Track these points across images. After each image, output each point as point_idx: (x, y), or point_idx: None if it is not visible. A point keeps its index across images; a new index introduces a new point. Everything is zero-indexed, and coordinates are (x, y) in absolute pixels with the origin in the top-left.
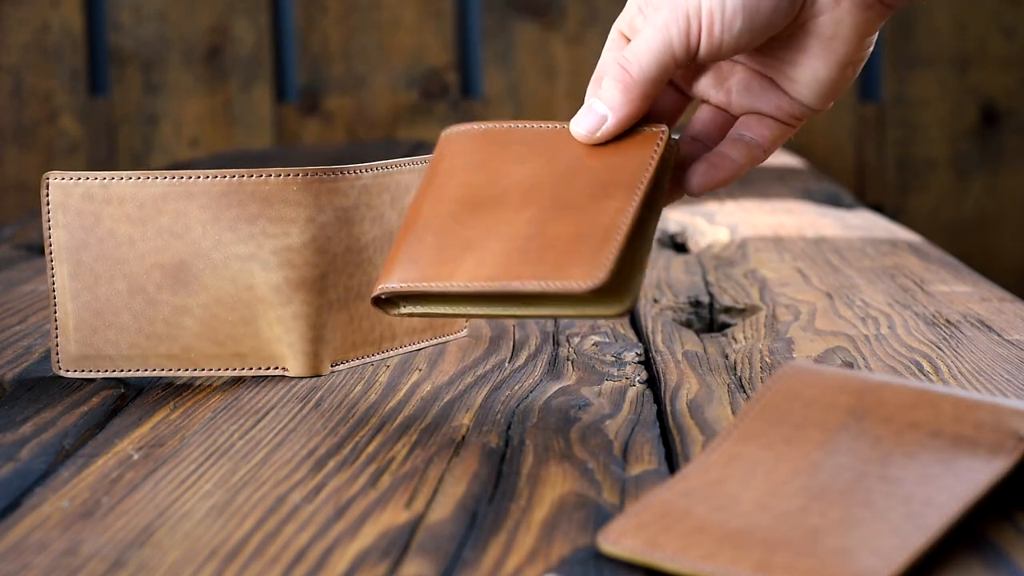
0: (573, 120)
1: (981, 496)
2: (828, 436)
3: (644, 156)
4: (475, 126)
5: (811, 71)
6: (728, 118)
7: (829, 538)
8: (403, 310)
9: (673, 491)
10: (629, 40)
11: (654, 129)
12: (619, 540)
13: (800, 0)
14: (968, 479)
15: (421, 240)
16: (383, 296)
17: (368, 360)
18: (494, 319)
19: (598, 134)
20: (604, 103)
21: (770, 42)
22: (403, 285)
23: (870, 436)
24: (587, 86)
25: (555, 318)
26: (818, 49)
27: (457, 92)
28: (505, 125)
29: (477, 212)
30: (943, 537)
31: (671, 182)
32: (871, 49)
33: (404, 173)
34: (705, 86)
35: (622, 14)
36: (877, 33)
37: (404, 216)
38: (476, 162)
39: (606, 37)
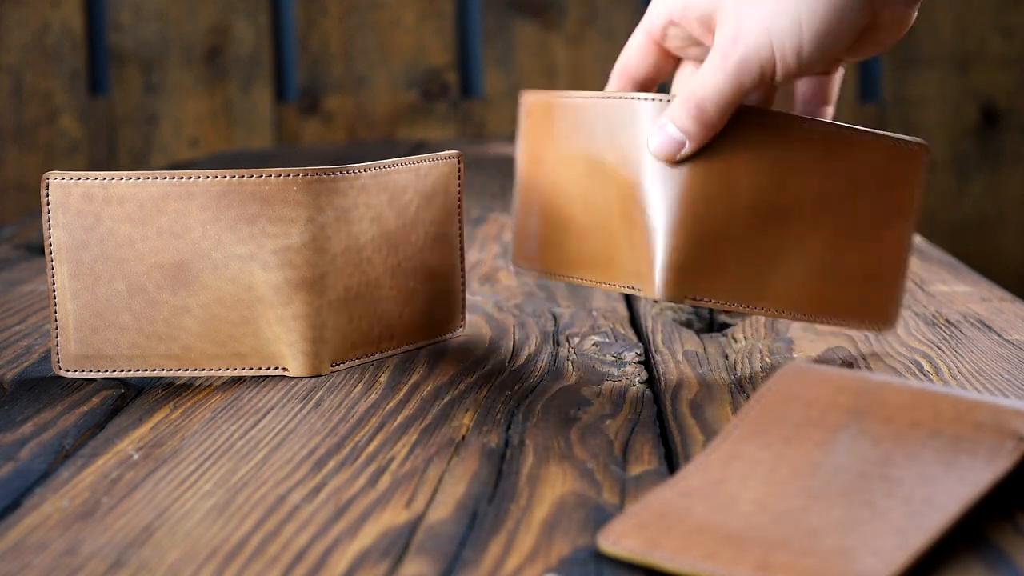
0: (650, 139)
1: (981, 496)
2: (828, 436)
3: (912, 178)
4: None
5: (848, 57)
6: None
7: (829, 538)
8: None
9: (673, 491)
10: (680, 25)
11: (914, 145)
12: (619, 540)
13: (869, 19)
14: (968, 479)
15: (720, 248)
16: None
17: (368, 360)
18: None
19: (677, 158)
20: (681, 130)
21: None
22: (718, 302)
23: (870, 436)
24: (588, 86)
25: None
26: (867, 48)
27: (457, 92)
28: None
29: (774, 224)
30: (943, 537)
31: None
32: None
33: (403, 173)
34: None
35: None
36: None
37: (684, 196)
38: (757, 161)
39: (606, 37)
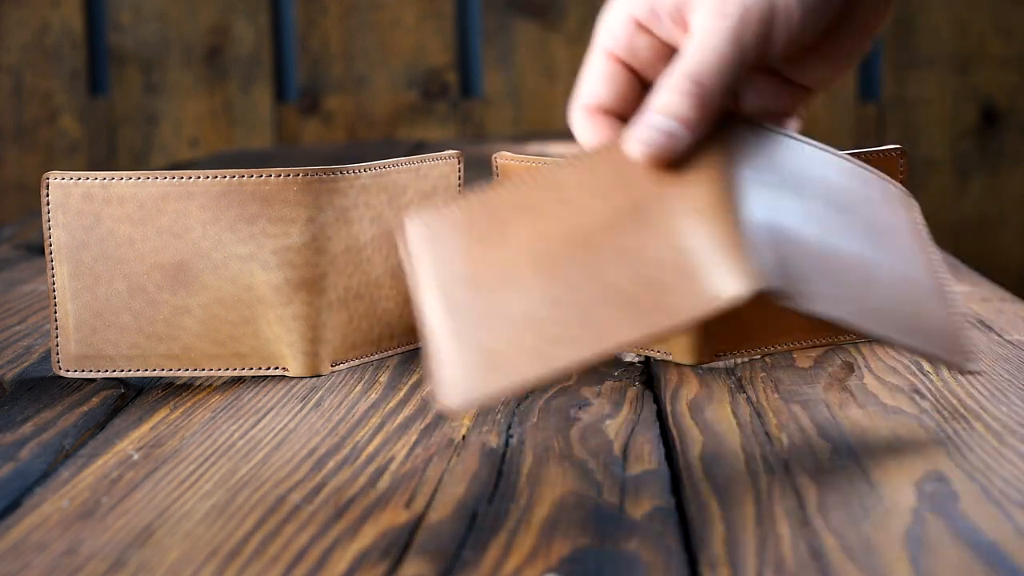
0: (632, 141)
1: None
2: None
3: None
4: None
5: (837, 58)
6: None
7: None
8: None
9: (446, 330)
10: (648, 30)
11: (890, 152)
12: (457, 397)
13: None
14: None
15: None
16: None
17: (368, 360)
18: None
19: (674, 156)
20: (676, 118)
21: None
22: (746, 351)
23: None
24: None
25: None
26: (852, 31)
27: (457, 92)
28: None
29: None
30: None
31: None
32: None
33: (403, 173)
34: None
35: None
36: None
37: None
38: None
39: None
